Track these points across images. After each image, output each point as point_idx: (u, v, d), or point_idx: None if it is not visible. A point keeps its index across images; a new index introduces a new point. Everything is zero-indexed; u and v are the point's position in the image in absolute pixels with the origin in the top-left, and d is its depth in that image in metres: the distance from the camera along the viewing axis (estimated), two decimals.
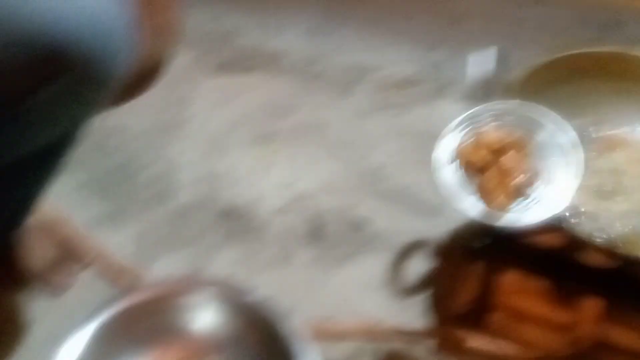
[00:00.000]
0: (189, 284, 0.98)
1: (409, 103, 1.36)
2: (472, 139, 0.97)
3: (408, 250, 1.15)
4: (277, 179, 1.25)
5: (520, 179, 0.93)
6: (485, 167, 0.95)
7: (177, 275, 1.09)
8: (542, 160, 0.95)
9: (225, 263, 1.13)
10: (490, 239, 1.03)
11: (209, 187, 1.23)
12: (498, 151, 0.95)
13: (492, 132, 0.97)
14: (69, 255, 1.10)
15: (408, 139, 1.31)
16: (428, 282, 1.11)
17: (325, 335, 1.02)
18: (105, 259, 1.10)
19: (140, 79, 0.80)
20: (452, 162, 0.96)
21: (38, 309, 1.05)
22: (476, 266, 1.09)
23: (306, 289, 1.10)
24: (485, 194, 0.93)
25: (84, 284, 1.09)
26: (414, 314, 1.07)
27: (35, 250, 1.07)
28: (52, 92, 0.68)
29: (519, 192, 0.93)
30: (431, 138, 1.31)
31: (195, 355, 0.94)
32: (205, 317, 0.95)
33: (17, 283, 1.07)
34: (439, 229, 1.17)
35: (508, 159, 0.94)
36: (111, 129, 1.30)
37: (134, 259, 1.12)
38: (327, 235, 1.17)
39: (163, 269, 1.11)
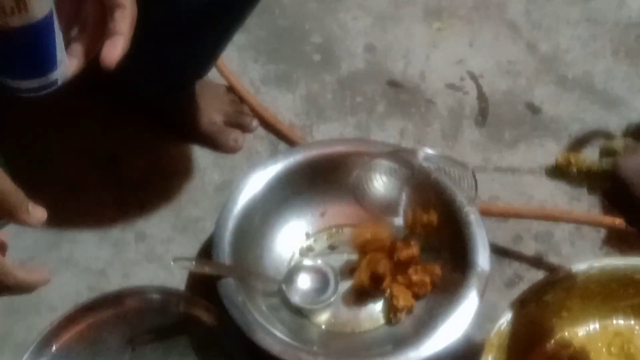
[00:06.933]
0: (363, 145, 0.97)
1: None
2: None
3: (584, 140, 1.10)
4: (450, 54, 1.21)
5: None
6: None
7: (350, 137, 1.09)
8: None
9: (391, 134, 1.11)
10: None
11: (377, 57, 1.21)
12: None
13: None
14: (239, 116, 1.11)
15: (597, 27, 1.24)
16: (603, 173, 1.06)
17: (493, 214, 1.00)
18: (272, 118, 1.10)
19: None
20: None
21: (205, 161, 1.08)
22: None
23: (474, 168, 1.07)
24: None
25: (250, 140, 1.10)
26: (585, 204, 1.03)
27: (206, 110, 1.08)
28: None
29: None
30: (621, 27, 1.23)
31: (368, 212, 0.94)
32: (380, 178, 0.95)
33: (187, 138, 1.09)
34: (617, 121, 1.12)
35: None
36: None
37: (300, 121, 1.13)
38: (500, 116, 1.13)
39: (330, 133, 1.11)
